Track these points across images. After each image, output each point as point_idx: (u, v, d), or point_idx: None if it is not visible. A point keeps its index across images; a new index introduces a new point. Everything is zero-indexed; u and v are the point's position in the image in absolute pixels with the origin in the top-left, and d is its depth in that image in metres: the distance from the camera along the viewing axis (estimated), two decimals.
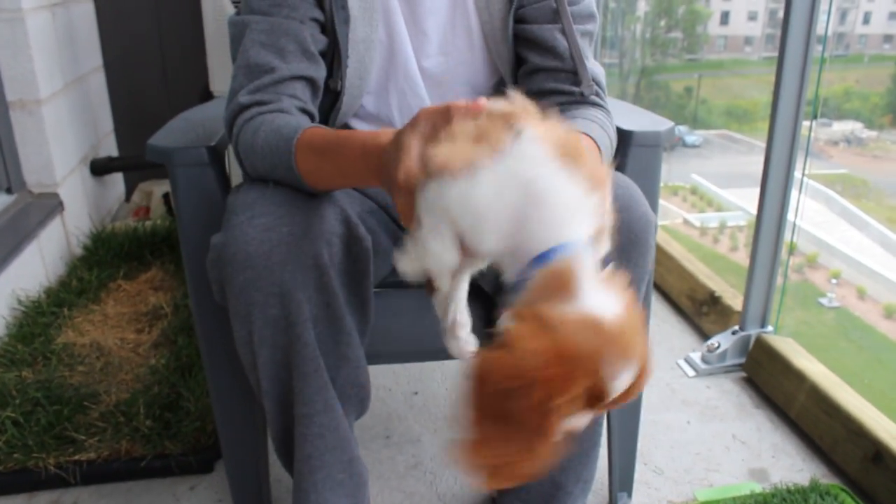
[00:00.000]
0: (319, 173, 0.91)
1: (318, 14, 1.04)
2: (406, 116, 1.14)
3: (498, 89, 1.18)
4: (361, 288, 1.00)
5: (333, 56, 1.07)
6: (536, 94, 1.11)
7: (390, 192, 0.78)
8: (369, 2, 1.07)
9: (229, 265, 0.93)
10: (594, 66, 1.10)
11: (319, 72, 1.05)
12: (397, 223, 1.16)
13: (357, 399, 1.05)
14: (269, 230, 0.91)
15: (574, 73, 1.08)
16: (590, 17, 1.11)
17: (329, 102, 1.10)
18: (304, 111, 1.03)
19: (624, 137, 1.18)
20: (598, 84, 1.10)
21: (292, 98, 1.02)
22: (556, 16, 1.08)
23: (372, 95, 1.14)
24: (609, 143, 1.04)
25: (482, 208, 0.69)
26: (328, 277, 0.93)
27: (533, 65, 1.10)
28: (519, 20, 1.10)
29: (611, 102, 1.18)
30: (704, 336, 1.94)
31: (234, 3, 2.20)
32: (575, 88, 1.08)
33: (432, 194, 0.71)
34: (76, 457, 1.42)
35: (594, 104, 1.09)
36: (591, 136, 0.99)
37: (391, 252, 1.17)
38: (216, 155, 1.14)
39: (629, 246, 0.97)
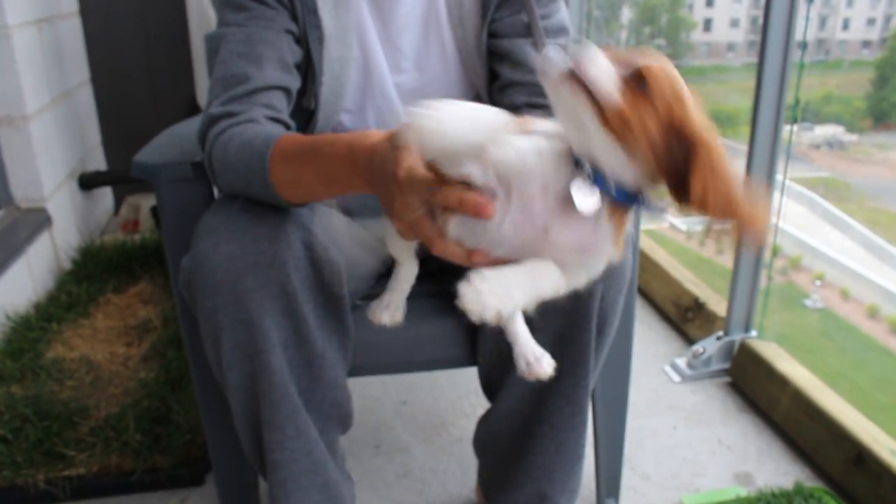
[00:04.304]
0: (298, 183, 0.89)
1: (294, 27, 1.04)
2: None
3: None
4: (337, 308, 1.00)
5: (307, 73, 1.07)
6: (510, 109, 1.12)
7: (382, 192, 0.77)
8: (343, 20, 1.07)
9: (198, 291, 0.93)
10: None
11: (294, 83, 1.05)
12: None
13: (337, 418, 1.06)
14: (234, 259, 0.91)
15: None
16: (561, 30, 1.11)
17: (304, 120, 1.10)
18: (278, 120, 1.01)
19: None
20: None
21: (265, 108, 1.00)
22: (527, 30, 1.08)
23: (350, 114, 1.14)
24: None
25: None
26: (296, 303, 0.93)
27: (506, 79, 1.10)
28: (491, 34, 1.10)
29: None
30: (690, 342, 1.96)
31: None
32: (547, 101, 1.09)
33: None
34: (66, 472, 1.42)
35: None
36: None
37: (369, 268, 1.16)
38: (202, 170, 1.14)
39: None
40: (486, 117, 0.75)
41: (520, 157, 0.73)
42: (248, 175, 0.92)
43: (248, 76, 0.99)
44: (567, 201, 0.71)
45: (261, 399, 0.97)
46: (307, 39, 1.05)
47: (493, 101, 1.15)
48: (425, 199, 0.73)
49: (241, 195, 0.96)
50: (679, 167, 0.67)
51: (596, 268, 0.76)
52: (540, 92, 1.08)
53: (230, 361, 0.95)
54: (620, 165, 0.70)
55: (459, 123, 0.73)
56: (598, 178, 0.71)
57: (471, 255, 0.75)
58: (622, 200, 0.72)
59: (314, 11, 1.04)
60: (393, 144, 0.74)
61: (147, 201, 2.73)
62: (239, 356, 0.95)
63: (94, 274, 2.20)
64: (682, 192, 0.68)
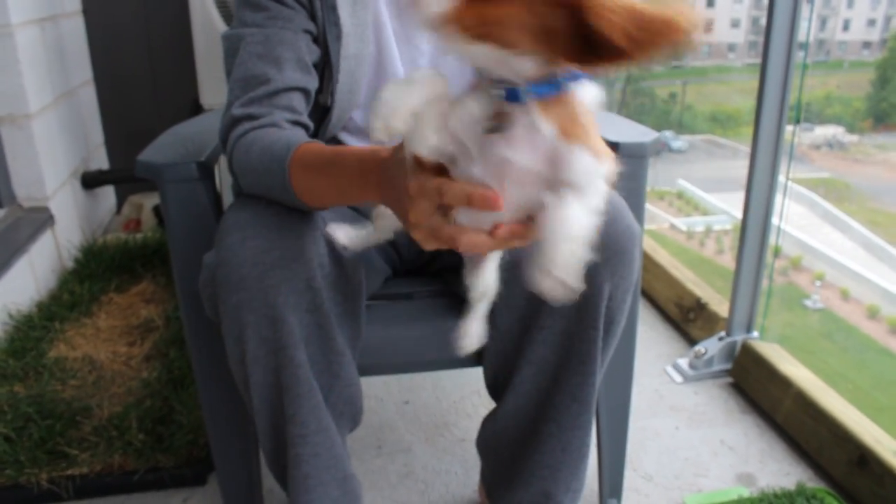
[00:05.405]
0: (315, 191, 0.90)
1: (312, 26, 1.05)
2: None
3: None
4: (354, 305, 1.01)
5: (324, 70, 1.08)
6: None
7: (395, 206, 0.77)
8: (361, 17, 1.07)
9: (222, 286, 0.93)
10: None
11: (313, 83, 1.06)
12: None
13: (349, 416, 1.07)
14: (262, 253, 0.92)
15: None
16: None
17: (318, 116, 1.11)
18: (298, 123, 1.03)
19: (610, 148, 1.20)
20: None
21: (286, 110, 1.01)
22: None
23: (361, 110, 1.15)
24: None
25: None
26: (321, 299, 0.94)
27: None
28: None
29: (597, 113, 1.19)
30: (692, 342, 1.96)
31: (224, 18, 2.21)
32: None
33: None
34: (69, 471, 1.42)
35: None
36: None
37: (382, 268, 1.18)
38: (206, 170, 1.14)
39: (614, 259, 0.99)
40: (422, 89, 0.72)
41: (464, 124, 0.70)
42: (269, 180, 0.93)
43: (267, 78, 1.00)
44: (505, 133, 0.69)
45: (284, 394, 0.97)
46: (325, 37, 1.05)
47: None
48: (437, 203, 0.71)
49: (264, 197, 0.97)
50: (568, 30, 0.61)
51: (584, 166, 0.68)
52: None
53: (255, 356, 0.95)
54: (511, 64, 0.66)
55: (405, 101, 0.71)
56: (510, 91, 0.68)
57: (494, 233, 0.72)
58: (541, 92, 0.67)
59: (333, 8, 1.04)
60: (397, 158, 0.75)
61: (149, 200, 2.73)
62: (264, 351, 0.95)
63: (96, 273, 2.20)
64: (590, 50, 0.62)
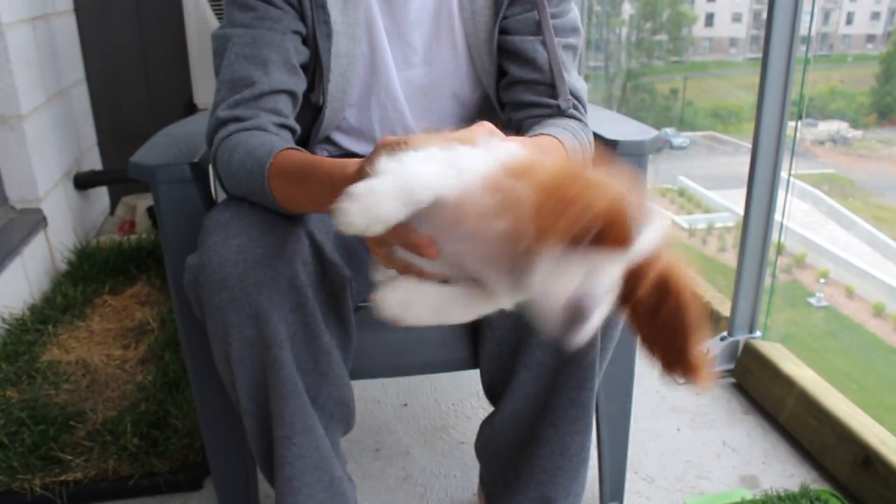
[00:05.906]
0: (293, 199, 0.91)
1: (301, 27, 1.04)
2: (386, 130, 1.14)
3: (483, 101, 1.18)
4: (339, 305, 1.00)
5: (315, 69, 1.07)
6: (515, 107, 1.11)
7: None
8: (352, 16, 1.06)
9: (205, 287, 0.93)
10: (575, 81, 1.10)
11: (300, 85, 1.05)
12: None
13: (341, 417, 1.05)
14: (243, 251, 0.91)
15: (553, 86, 1.08)
16: (573, 30, 1.10)
17: (311, 116, 1.10)
18: (284, 126, 1.03)
19: (609, 147, 1.18)
20: (577, 98, 1.09)
21: (271, 113, 1.01)
22: (538, 28, 1.07)
23: (354, 109, 1.14)
24: (580, 149, 1.03)
25: None
26: (304, 297, 0.93)
27: (512, 76, 1.10)
28: (502, 31, 1.10)
29: (596, 110, 1.18)
30: None
31: (217, 16, 2.19)
32: (552, 101, 1.08)
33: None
34: (62, 477, 1.40)
35: (571, 117, 1.09)
36: (558, 139, 0.99)
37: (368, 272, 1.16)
38: (199, 171, 1.13)
39: None
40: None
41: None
42: (250, 184, 0.94)
43: (253, 80, 1.00)
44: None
45: (270, 394, 0.96)
46: (315, 36, 1.04)
47: (499, 98, 1.14)
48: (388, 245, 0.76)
49: (246, 198, 0.97)
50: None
51: None
52: (545, 91, 1.08)
53: (240, 357, 0.94)
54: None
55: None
56: None
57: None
58: None
59: (323, 7, 1.04)
60: (363, 174, 0.75)
61: (143, 201, 2.72)
62: (249, 351, 0.94)
63: (89, 275, 2.18)
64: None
